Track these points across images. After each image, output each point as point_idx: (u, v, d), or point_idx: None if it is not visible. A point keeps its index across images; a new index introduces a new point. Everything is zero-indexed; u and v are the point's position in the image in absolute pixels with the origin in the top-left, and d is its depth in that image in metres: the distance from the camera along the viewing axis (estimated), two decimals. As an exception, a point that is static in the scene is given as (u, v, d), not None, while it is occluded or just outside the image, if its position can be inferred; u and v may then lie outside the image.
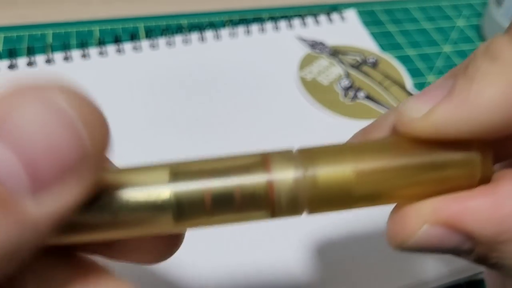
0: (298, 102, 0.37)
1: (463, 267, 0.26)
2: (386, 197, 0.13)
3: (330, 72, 0.40)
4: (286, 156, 0.13)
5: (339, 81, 0.39)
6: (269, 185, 0.13)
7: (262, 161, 0.13)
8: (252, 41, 0.42)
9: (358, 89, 0.38)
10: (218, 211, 0.13)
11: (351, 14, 0.46)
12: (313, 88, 0.38)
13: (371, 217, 0.28)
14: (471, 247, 0.13)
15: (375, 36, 0.45)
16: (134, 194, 0.13)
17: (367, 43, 0.43)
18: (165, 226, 0.13)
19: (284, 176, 0.13)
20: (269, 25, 0.43)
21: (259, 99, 0.36)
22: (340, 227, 0.27)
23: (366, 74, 0.40)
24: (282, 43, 0.41)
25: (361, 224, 0.28)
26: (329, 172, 0.13)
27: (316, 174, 0.13)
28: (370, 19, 0.47)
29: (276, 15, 0.45)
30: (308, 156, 0.13)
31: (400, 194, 0.13)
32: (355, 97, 0.38)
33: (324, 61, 0.40)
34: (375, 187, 0.13)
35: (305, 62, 0.40)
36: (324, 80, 0.39)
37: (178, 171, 0.13)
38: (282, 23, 0.43)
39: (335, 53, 0.41)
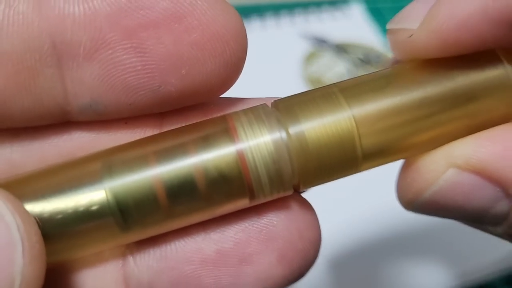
0: None
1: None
2: (400, 148, 0.11)
3: (335, 69, 0.38)
4: (257, 114, 0.11)
5: (343, 78, 0.37)
6: (240, 158, 0.10)
7: (225, 126, 0.11)
8: (253, 39, 0.40)
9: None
10: (179, 206, 0.11)
11: (356, 10, 0.44)
12: (318, 86, 0.36)
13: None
14: (506, 208, 0.10)
15: (381, 32, 0.42)
16: (57, 204, 0.10)
17: (372, 39, 0.41)
18: (110, 238, 0.11)
19: (258, 141, 0.11)
20: (270, 22, 0.41)
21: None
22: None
23: (370, 71, 0.38)
24: (285, 40, 0.40)
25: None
26: (321, 126, 0.11)
27: (303, 131, 0.11)
28: (375, 15, 0.45)
29: (278, 11, 0.43)
30: (288, 109, 0.11)
31: (417, 142, 0.11)
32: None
33: (328, 59, 0.39)
34: (384, 136, 0.11)
35: (309, 60, 0.39)
36: (330, 77, 0.38)
37: (112, 162, 0.11)
38: (284, 20, 0.41)
39: (340, 50, 0.39)
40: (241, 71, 0.12)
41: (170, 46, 0.10)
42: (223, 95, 0.12)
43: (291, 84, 0.36)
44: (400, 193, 0.12)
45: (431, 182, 0.11)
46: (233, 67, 0.11)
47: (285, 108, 0.11)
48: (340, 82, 0.12)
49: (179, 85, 0.11)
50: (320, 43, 0.40)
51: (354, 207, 0.29)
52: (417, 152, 0.12)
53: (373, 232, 0.26)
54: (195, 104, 0.12)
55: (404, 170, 0.12)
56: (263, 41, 0.40)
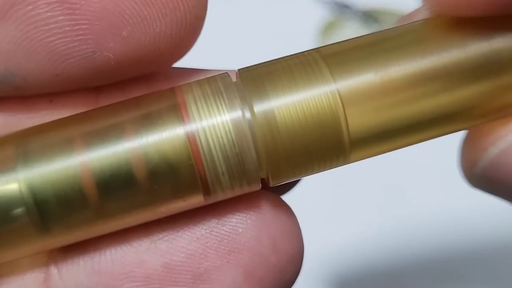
0: None
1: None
2: (402, 132, 0.11)
3: None
4: (214, 86, 0.11)
5: None
6: (191, 141, 0.11)
7: (173, 101, 0.11)
8: (250, 2, 0.40)
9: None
10: (112, 202, 0.11)
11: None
12: None
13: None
14: None
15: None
16: None
17: (410, 4, 0.40)
18: (26, 242, 0.11)
19: (214, 120, 0.11)
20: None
21: None
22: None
23: None
24: (295, 5, 0.40)
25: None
26: (295, 103, 0.11)
27: (272, 108, 0.11)
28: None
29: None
30: (254, 80, 0.11)
31: (425, 123, 0.12)
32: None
33: (353, 30, 0.39)
34: (380, 117, 0.11)
35: (328, 32, 0.39)
36: None
37: (28, 147, 0.11)
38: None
39: (368, 18, 0.40)
40: (198, 34, 0.12)
41: (106, 1, 0.11)
42: (177, 65, 0.13)
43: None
44: (463, 160, 0.13)
45: (494, 142, 0.12)
46: (188, 28, 0.12)
47: (251, 79, 0.11)
48: (324, 46, 0.12)
49: (119, 50, 0.11)
50: (342, 9, 0.40)
51: (367, 215, 0.28)
52: (425, 137, 0.12)
53: (390, 251, 0.26)
54: (140, 75, 0.12)
55: (468, 138, 0.13)
56: (264, 6, 0.40)
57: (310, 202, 0.26)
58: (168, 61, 0.12)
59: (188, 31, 0.12)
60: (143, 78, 0.13)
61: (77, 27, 0.11)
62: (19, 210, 0.11)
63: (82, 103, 0.12)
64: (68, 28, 0.11)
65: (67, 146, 0.11)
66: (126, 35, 0.11)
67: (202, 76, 0.13)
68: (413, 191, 0.29)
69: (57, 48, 0.11)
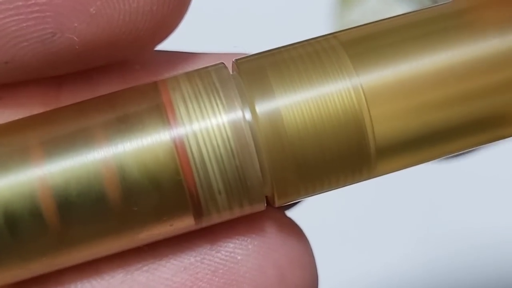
0: None
1: None
2: (440, 137, 0.11)
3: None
4: (207, 80, 0.11)
5: None
6: (178, 150, 0.11)
7: (157, 100, 0.11)
8: None
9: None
10: (77, 226, 0.11)
11: None
12: None
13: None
14: None
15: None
16: None
17: None
18: None
19: (208, 124, 0.11)
20: None
21: None
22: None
23: None
24: None
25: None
26: (307, 102, 0.11)
27: (278, 109, 0.11)
28: None
29: None
30: (256, 73, 0.11)
31: (471, 125, 0.11)
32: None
33: (378, 0, 0.38)
34: (414, 119, 0.11)
35: (348, 2, 0.39)
36: None
37: None
38: None
39: None
40: (186, 10, 0.12)
41: None
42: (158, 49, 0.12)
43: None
44: None
45: None
46: (172, 3, 0.11)
47: (252, 72, 0.11)
48: (343, 31, 0.12)
49: (85, 31, 0.11)
50: (365, -25, 0.40)
51: (397, 237, 0.29)
52: (468, 144, 0.12)
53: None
54: (112, 63, 0.12)
55: None
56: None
57: (326, 221, 0.26)
58: (146, 45, 0.12)
59: (172, 6, 0.11)
60: (115, 67, 0.12)
61: (32, 1, 0.11)
62: None
63: (39, 100, 0.12)
64: (20, 3, 0.10)
65: (21, 156, 0.11)
66: (94, 12, 0.11)
67: (191, 64, 0.12)
68: (449, 208, 0.29)
69: (7, 29, 0.11)
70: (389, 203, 0.30)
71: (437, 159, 0.12)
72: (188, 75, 0.11)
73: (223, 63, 0.12)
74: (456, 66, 0.11)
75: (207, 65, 0.12)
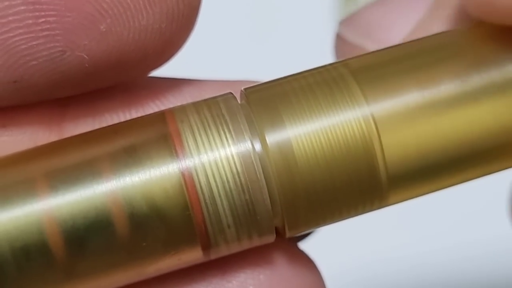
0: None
1: None
2: (454, 166, 0.12)
3: None
4: (215, 110, 0.11)
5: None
6: (187, 182, 0.11)
7: (164, 130, 0.11)
8: None
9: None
10: (84, 261, 0.11)
11: None
12: None
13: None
14: None
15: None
16: None
17: None
18: None
19: (217, 155, 0.11)
20: None
21: (280, 55, 0.35)
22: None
23: None
24: None
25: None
26: (318, 132, 0.11)
27: (289, 139, 0.11)
28: None
29: None
30: (265, 103, 0.11)
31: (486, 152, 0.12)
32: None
33: None
34: (427, 147, 0.11)
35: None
36: None
37: None
38: None
39: None
40: (192, 28, 0.12)
41: None
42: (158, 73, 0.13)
43: (317, 39, 0.36)
44: None
45: None
46: (180, 21, 0.11)
47: (261, 102, 0.11)
48: (352, 59, 0.12)
49: (95, 49, 0.11)
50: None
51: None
52: (482, 172, 0.12)
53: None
54: (116, 85, 0.12)
55: None
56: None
57: (338, 250, 0.26)
58: (153, 64, 0.12)
59: (180, 24, 0.11)
60: (119, 92, 0.12)
61: (43, 19, 0.11)
62: None
63: (43, 126, 0.12)
64: (31, 21, 0.11)
65: (26, 189, 0.11)
66: (104, 29, 0.11)
67: (195, 90, 0.12)
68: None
69: (16, 47, 0.11)
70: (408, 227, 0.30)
71: (450, 187, 0.12)
72: (196, 105, 0.11)
73: (231, 93, 0.12)
74: (467, 93, 0.11)
75: (211, 90, 0.12)
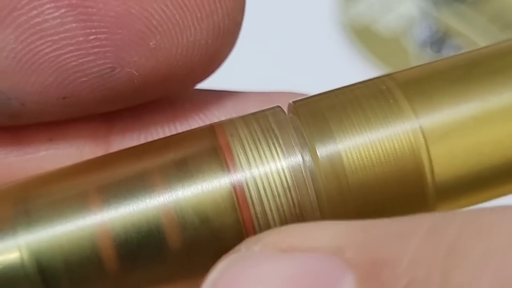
0: (342, 62, 0.36)
1: None
2: (502, 178, 0.12)
3: (398, 10, 0.38)
4: (264, 124, 0.11)
5: (413, 27, 0.37)
6: (238, 195, 0.11)
7: (213, 144, 0.11)
8: None
9: (447, 40, 0.37)
10: (137, 272, 0.11)
11: None
12: (367, 39, 0.37)
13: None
14: None
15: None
16: None
17: None
18: None
19: (267, 168, 0.11)
20: None
21: (280, 57, 0.35)
22: None
23: (462, 13, 0.38)
24: None
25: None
26: (367, 145, 0.11)
27: (339, 152, 0.11)
28: None
29: None
30: (315, 116, 0.11)
31: None
32: (440, 52, 0.36)
33: None
34: (474, 160, 0.11)
35: None
36: (388, 25, 0.37)
37: (31, 204, 0.11)
38: None
39: None
40: (235, 43, 0.12)
41: (130, 3, 0.11)
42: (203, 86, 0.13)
43: (319, 38, 0.36)
44: None
45: None
46: (225, 36, 0.12)
47: (311, 115, 0.11)
48: (399, 72, 0.12)
49: (144, 65, 0.11)
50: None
51: None
52: None
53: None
54: (162, 98, 0.12)
55: None
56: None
57: None
58: (198, 78, 0.12)
59: (225, 39, 0.12)
60: (165, 105, 0.13)
61: (93, 36, 0.11)
62: (20, 284, 0.11)
63: (90, 139, 0.12)
64: (81, 38, 0.11)
65: (79, 202, 0.11)
66: (153, 46, 0.11)
67: (239, 103, 0.13)
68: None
69: (67, 64, 0.11)
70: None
71: (498, 198, 0.12)
72: (245, 119, 0.11)
73: (279, 106, 0.12)
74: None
75: (252, 102, 0.12)
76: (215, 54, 0.12)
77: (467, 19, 0.38)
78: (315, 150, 0.11)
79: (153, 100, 0.12)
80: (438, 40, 0.37)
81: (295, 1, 0.39)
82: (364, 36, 0.37)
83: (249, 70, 0.35)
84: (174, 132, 0.13)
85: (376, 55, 0.37)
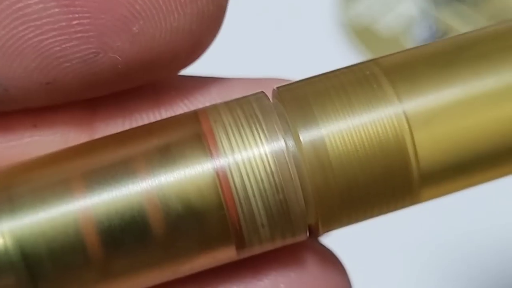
0: (342, 62, 0.36)
1: None
2: (488, 162, 0.12)
3: (398, 10, 0.38)
4: (248, 109, 0.11)
5: (413, 27, 0.37)
6: (221, 181, 0.11)
7: (197, 130, 0.11)
8: None
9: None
10: (120, 260, 0.11)
11: None
12: (367, 39, 0.37)
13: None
14: None
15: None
16: None
17: None
18: None
19: (250, 154, 0.11)
20: None
21: (280, 57, 0.35)
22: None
23: (462, 13, 0.38)
24: None
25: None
26: (351, 131, 0.11)
27: (322, 138, 0.11)
28: None
29: None
30: (298, 102, 0.11)
31: None
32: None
33: None
34: (458, 144, 0.11)
35: None
36: (388, 25, 0.38)
37: (14, 191, 0.11)
38: None
39: None
40: (219, 29, 0.12)
41: None
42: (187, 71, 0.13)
43: (320, 38, 0.36)
44: None
45: None
46: (209, 22, 0.12)
47: (294, 101, 0.11)
48: (384, 57, 0.12)
49: (127, 50, 0.11)
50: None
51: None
52: None
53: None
54: (146, 84, 0.12)
55: None
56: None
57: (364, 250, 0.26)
58: (183, 63, 0.12)
59: (209, 24, 0.12)
60: (149, 92, 0.13)
61: (76, 21, 0.11)
62: (3, 270, 0.11)
63: (74, 126, 0.12)
64: (64, 24, 0.11)
65: (63, 189, 0.11)
66: (136, 31, 0.11)
67: (224, 89, 0.13)
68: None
69: (50, 49, 0.11)
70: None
71: (484, 184, 0.12)
72: (228, 105, 0.11)
73: (263, 92, 0.12)
74: (502, 89, 0.11)
75: (237, 89, 0.12)
76: (199, 39, 0.12)
77: (467, 19, 0.38)
78: (298, 136, 0.11)
79: (138, 86, 0.12)
80: (438, 39, 0.37)
81: (295, 1, 0.38)
82: (364, 36, 0.37)
83: (249, 71, 0.35)
84: (158, 119, 0.13)
85: (376, 55, 0.37)
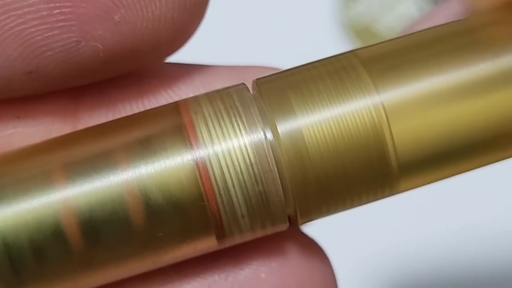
0: None
1: None
2: (465, 152, 0.12)
3: (397, 10, 0.38)
4: (228, 101, 0.11)
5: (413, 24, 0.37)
6: (201, 172, 0.11)
7: (177, 121, 0.11)
8: None
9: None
10: (101, 250, 0.11)
11: None
12: (367, 39, 0.37)
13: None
14: None
15: None
16: None
17: None
18: None
19: (230, 145, 0.11)
20: None
21: (280, 57, 0.34)
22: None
23: None
24: None
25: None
26: (329, 121, 0.11)
27: (299, 128, 0.11)
28: None
29: None
30: (277, 93, 0.11)
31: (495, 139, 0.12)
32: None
33: None
34: (436, 134, 0.11)
35: None
36: (387, 25, 0.38)
37: None
38: None
39: None
40: (203, 17, 0.12)
41: None
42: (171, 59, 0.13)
43: (320, 38, 0.36)
44: None
45: None
46: (192, 10, 0.12)
47: (272, 93, 0.11)
48: (362, 48, 0.12)
49: (109, 39, 0.11)
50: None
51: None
52: (492, 159, 0.12)
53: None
54: (129, 73, 0.12)
55: None
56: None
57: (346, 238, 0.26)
58: (166, 52, 0.12)
59: (192, 13, 0.12)
60: (133, 81, 0.13)
61: (57, 11, 0.11)
62: None
63: (58, 116, 0.12)
64: (46, 13, 0.11)
65: (44, 180, 0.11)
66: (118, 19, 0.11)
67: (207, 77, 0.13)
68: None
69: (32, 39, 0.11)
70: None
71: (462, 174, 0.12)
72: (209, 96, 0.12)
73: (244, 83, 0.12)
74: (478, 81, 0.11)
75: (221, 77, 0.12)
76: (182, 28, 0.12)
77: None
78: (276, 127, 0.11)
79: (121, 76, 0.12)
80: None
81: (295, 1, 0.38)
82: (364, 36, 0.37)
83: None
84: (142, 108, 0.13)
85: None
